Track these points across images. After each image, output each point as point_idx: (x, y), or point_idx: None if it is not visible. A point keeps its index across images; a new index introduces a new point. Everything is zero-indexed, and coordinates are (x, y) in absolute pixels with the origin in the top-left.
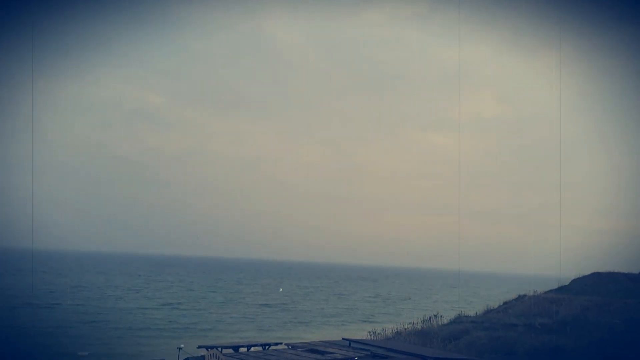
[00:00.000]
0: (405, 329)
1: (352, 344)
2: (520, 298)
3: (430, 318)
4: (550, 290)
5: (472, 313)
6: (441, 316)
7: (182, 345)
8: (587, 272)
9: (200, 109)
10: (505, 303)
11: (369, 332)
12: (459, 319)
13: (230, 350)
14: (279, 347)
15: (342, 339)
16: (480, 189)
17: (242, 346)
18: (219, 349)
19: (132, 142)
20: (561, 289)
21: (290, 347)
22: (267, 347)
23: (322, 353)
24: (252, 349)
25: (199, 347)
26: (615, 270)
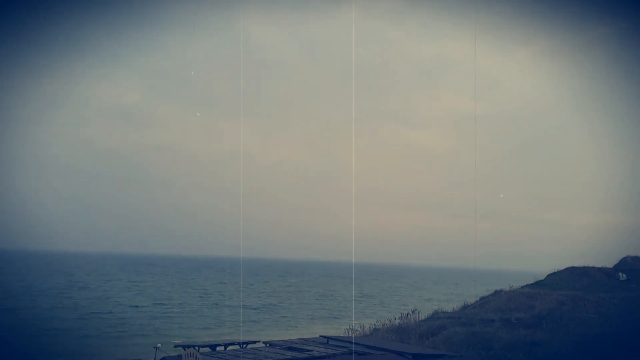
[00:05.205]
0: (383, 325)
1: (330, 341)
2: (497, 293)
3: (407, 314)
4: (526, 285)
5: (449, 309)
6: (419, 312)
7: (159, 345)
8: (562, 267)
9: (175, 106)
10: (482, 298)
11: (347, 329)
12: (436, 315)
13: (208, 349)
14: (257, 345)
15: (320, 336)
16: (459, 185)
17: (220, 345)
18: (196, 347)
19: (112, 139)
20: (537, 284)
21: (267, 345)
22: (244, 345)
23: (300, 351)
24: (230, 347)
25: (176, 346)
26: (590, 265)
